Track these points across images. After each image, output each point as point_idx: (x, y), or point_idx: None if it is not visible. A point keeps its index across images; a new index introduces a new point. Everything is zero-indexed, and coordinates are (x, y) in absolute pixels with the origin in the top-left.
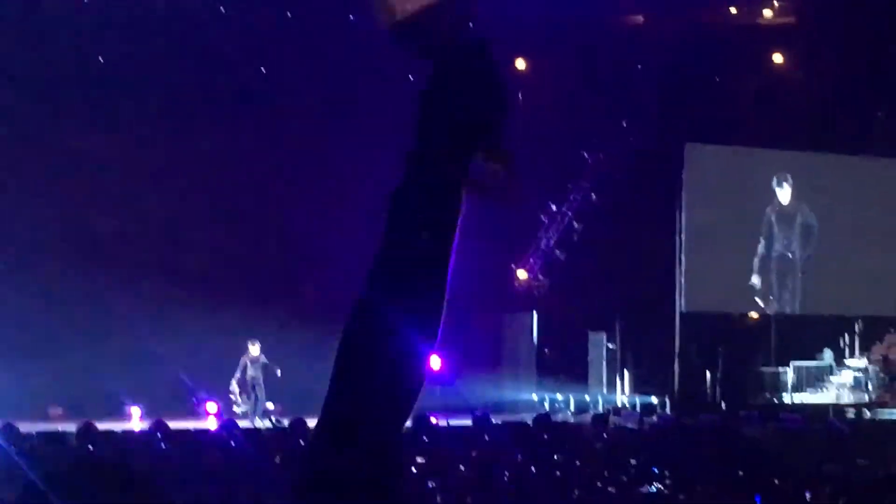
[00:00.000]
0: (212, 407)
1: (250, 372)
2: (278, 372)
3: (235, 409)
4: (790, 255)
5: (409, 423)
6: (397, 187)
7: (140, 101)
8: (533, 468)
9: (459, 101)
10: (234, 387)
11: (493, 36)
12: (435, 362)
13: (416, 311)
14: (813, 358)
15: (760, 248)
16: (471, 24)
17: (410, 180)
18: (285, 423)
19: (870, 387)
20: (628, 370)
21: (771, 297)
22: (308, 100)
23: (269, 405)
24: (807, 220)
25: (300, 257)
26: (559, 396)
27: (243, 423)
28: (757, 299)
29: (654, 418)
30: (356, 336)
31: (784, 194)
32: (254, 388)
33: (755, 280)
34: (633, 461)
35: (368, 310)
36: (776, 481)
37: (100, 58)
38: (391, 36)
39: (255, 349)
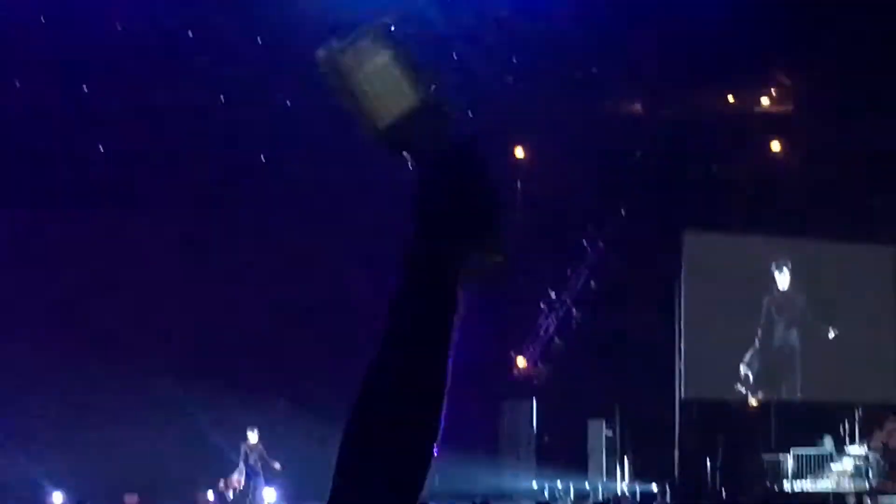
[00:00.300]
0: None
1: (248, 460)
2: (277, 465)
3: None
4: (789, 343)
5: None
6: (397, 290)
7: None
8: None
9: (454, 200)
10: (236, 477)
11: (480, 129)
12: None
13: (417, 408)
14: (813, 445)
15: (758, 335)
16: (452, 122)
17: (409, 280)
18: None
19: (870, 474)
20: (628, 458)
21: (770, 385)
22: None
23: (272, 494)
24: (805, 307)
25: (299, 341)
26: (559, 484)
27: None
28: (756, 387)
29: None
30: (357, 435)
31: (783, 279)
32: (250, 476)
33: (752, 368)
34: None
35: (368, 409)
36: None
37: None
38: (379, 144)
39: (253, 436)
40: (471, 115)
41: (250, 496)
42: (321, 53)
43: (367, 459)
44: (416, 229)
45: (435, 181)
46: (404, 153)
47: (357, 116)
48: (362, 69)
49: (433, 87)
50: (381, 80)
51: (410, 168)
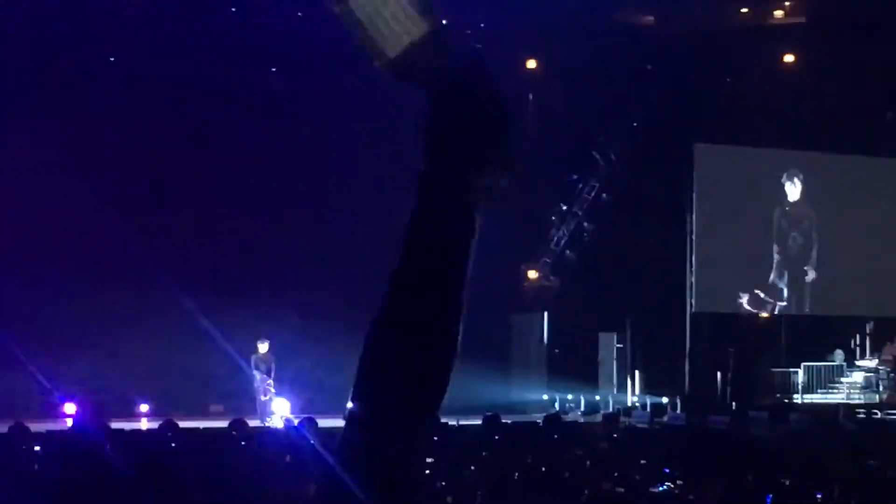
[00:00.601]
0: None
1: (261, 370)
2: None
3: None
4: (800, 255)
5: None
6: (413, 211)
7: (140, 100)
8: (543, 468)
9: (462, 122)
10: (260, 379)
11: (492, 41)
12: None
13: (435, 330)
14: (823, 359)
15: (769, 248)
16: (458, 49)
17: (425, 204)
18: (295, 421)
19: (881, 387)
20: (638, 370)
21: (781, 298)
22: (314, 99)
23: (285, 405)
24: (816, 220)
25: (314, 256)
26: (569, 397)
27: (254, 423)
28: (767, 300)
29: (665, 418)
30: (376, 354)
31: (793, 190)
32: (262, 387)
33: (763, 281)
34: (643, 461)
35: (387, 328)
36: (786, 482)
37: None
38: (389, 75)
39: (263, 347)
40: (483, 26)
41: (260, 408)
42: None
43: (386, 373)
44: (427, 154)
45: (444, 105)
46: (413, 81)
47: (368, 48)
48: (359, 9)
49: (438, 16)
50: (391, 9)
51: (419, 95)
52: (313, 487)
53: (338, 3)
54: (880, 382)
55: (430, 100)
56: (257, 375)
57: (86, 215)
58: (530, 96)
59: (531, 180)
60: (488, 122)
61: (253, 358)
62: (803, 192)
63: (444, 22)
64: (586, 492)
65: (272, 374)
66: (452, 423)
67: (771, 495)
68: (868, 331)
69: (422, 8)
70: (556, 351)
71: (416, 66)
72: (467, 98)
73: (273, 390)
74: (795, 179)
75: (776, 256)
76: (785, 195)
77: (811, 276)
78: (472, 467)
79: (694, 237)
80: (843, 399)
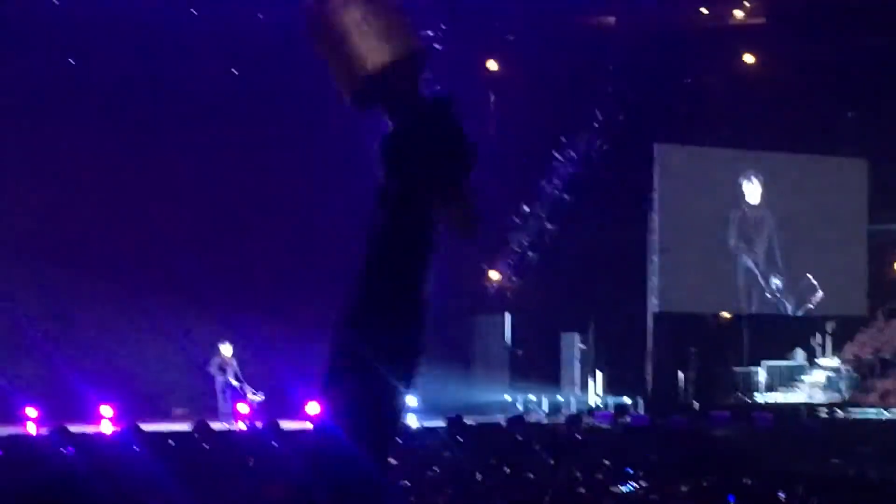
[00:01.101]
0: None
1: (224, 374)
2: (259, 396)
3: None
4: (760, 255)
5: None
6: (372, 220)
7: (118, 102)
8: (507, 469)
9: (425, 146)
10: (223, 382)
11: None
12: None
13: (396, 340)
14: (785, 358)
15: (729, 248)
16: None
17: (384, 215)
18: (258, 424)
19: (842, 386)
20: (601, 370)
21: (742, 297)
22: (289, 101)
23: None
24: (775, 221)
25: (277, 258)
26: (532, 397)
27: (216, 425)
28: (728, 300)
29: (628, 418)
30: (340, 357)
31: (752, 191)
32: (225, 390)
33: (724, 281)
34: (606, 461)
35: (352, 329)
36: (749, 481)
37: (70, 61)
38: (355, 96)
39: (226, 350)
40: (443, 27)
41: (222, 411)
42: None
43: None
44: (387, 167)
45: (409, 125)
46: (382, 104)
47: (336, 72)
48: (347, 17)
49: (411, 41)
50: (363, 30)
51: (384, 123)
52: (278, 489)
53: (310, 14)
54: (841, 381)
55: (396, 124)
56: (219, 377)
57: (47, 218)
58: (491, 97)
59: (495, 180)
60: (450, 154)
61: (215, 360)
62: (762, 193)
63: (417, 49)
64: (550, 492)
65: (238, 377)
66: (416, 425)
67: (734, 495)
68: (829, 330)
69: (405, 29)
70: (519, 352)
71: (389, 87)
72: (433, 126)
73: (247, 392)
74: (755, 182)
75: (736, 256)
76: (744, 195)
77: (772, 276)
78: (436, 468)
79: (656, 237)
80: (805, 398)
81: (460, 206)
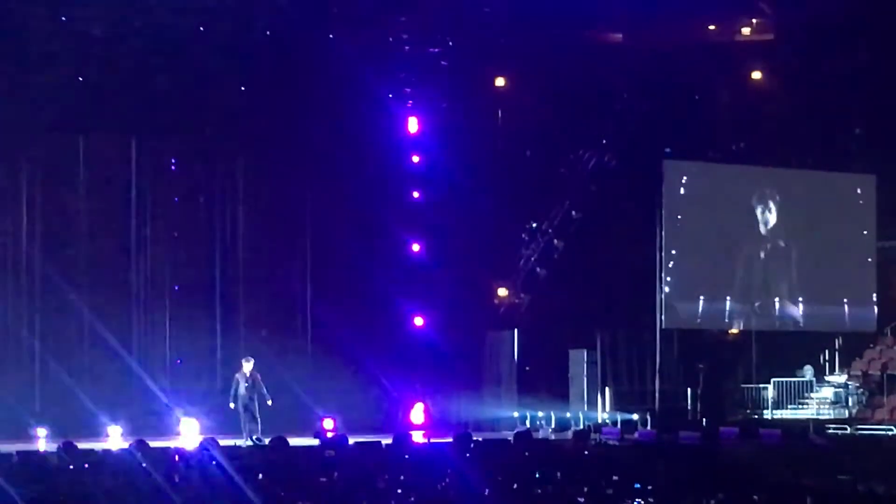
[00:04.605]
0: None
1: (241, 390)
2: (269, 402)
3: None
4: (769, 272)
5: (389, 440)
6: None
7: (117, 116)
8: (514, 485)
9: None
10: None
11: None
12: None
13: None
14: (793, 374)
15: (739, 264)
16: None
17: None
18: (266, 441)
19: (850, 402)
20: (609, 387)
21: (750, 314)
22: (296, 122)
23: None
24: (784, 236)
25: (233, 276)
26: (540, 414)
27: (225, 442)
28: (736, 316)
29: (636, 434)
30: None
31: (763, 208)
32: (246, 406)
33: (733, 297)
34: (614, 477)
35: None
36: (757, 497)
37: (80, 78)
38: None
39: (248, 366)
40: (451, 44)
41: (245, 426)
42: None
43: None
44: None
45: None
46: None
47: None
48: None
49: None
50: None
51: None
52: None
53: None
54: (850, 398)
55: None
56: (244, 391)
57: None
58: (499, 113)
59: (503, 197)
60: None
61: (237, 376)
62: (772, 209)
63: None
64: None
65: (261, 391)
66: (423, 440)
67: None
68: (837, 346)
69: None
70: (527, 368)
71: None
72: None
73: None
74: (764, 198)
75: (746, 272)
76: (754, 211)
77: (781, 290)
78: (443, 484)
79: (663, 253)
80: (812, 414)
81: None
